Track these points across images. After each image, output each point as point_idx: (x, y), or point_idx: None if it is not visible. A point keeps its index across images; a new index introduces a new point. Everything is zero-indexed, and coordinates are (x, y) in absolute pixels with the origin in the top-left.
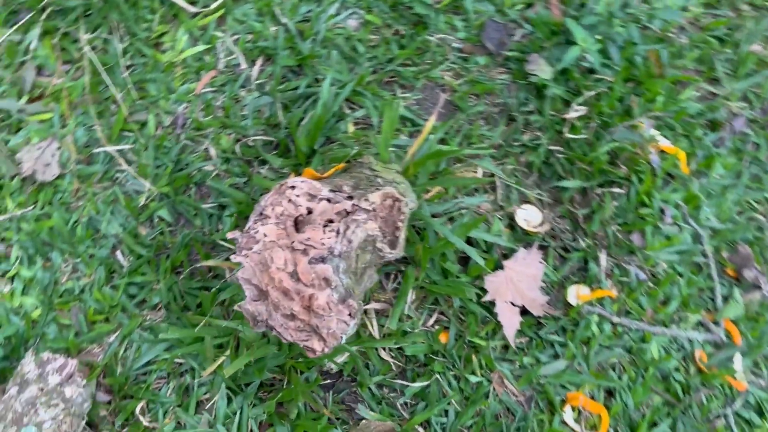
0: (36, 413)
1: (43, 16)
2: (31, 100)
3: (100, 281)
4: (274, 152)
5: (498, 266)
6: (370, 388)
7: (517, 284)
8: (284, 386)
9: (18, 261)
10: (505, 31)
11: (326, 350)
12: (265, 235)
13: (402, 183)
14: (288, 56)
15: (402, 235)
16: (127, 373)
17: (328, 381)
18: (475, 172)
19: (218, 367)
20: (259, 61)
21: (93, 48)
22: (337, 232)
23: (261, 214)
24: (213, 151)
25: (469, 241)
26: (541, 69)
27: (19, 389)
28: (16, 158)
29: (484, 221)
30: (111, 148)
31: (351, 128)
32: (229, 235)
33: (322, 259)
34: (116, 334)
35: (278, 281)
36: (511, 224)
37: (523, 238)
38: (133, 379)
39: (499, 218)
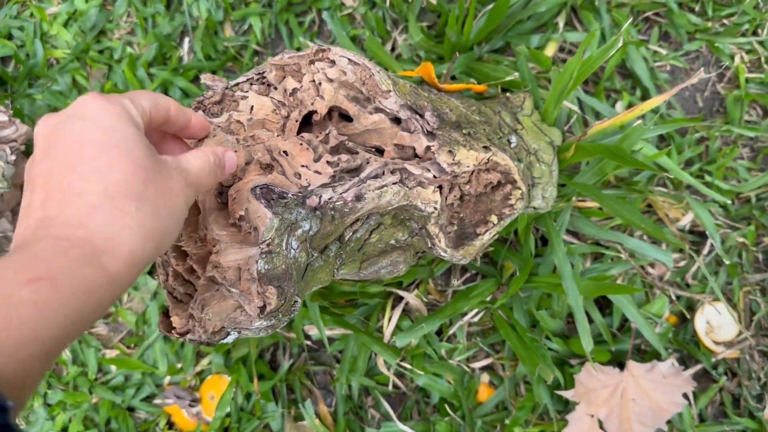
0: None
1: None
2: None
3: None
4: (425, 24)
5: (616, 361)
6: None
7: (629, 404)
8: None
9: None
10: None
11: (188, 336)
12: (251, 109)
13: (545, 164)
14: None
15: (485, 239)
16: None
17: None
18: (681, 214)
19: None
20: None
21: None
22: (340, 174)
23: (262, 75)
24: None
25: (599, 304)
26: None
27: None
28: None
29: (642, 292)
30: None
31: (551, 50)
32: (204, 78)
33: (280, 197)
34: None
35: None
36: (684, 316)
37: (688, 346)
38: None
39: (670, 298)
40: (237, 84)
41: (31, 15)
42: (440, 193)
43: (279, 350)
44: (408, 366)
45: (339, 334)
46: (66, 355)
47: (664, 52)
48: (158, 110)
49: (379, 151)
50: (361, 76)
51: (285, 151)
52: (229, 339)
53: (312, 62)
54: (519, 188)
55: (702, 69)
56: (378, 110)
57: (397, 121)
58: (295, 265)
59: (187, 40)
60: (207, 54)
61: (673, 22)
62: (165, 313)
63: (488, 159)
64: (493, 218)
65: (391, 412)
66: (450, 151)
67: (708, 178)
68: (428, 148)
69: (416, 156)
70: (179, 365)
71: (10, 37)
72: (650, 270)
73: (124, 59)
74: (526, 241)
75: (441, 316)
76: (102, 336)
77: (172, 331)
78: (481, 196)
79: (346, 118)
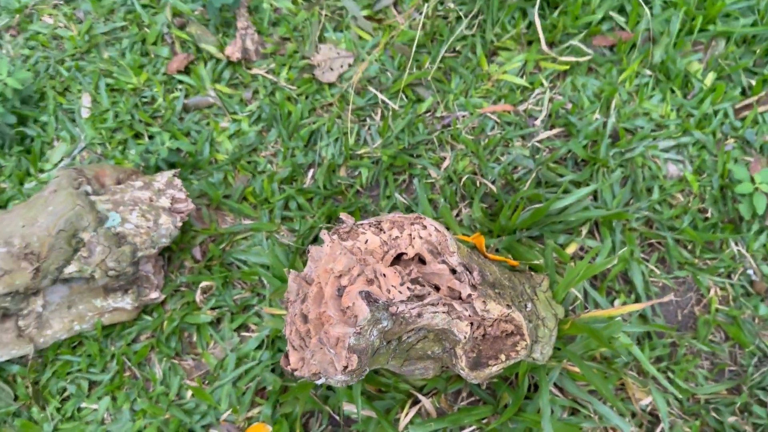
0: (130, 212)
1: None
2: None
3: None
4: (485, 205)
5: None
6: None
7: None
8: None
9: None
10: None
11: (297, 372)
12: (366, 242)
13: (548, 329)
14: (579, 145)
15: (493, 370)
16: (224, 258)
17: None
18: (644, 396)
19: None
20: (554, 131)
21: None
22: (412, 297)
23: (379, 223)
24: (446, 163)
25: None
26: None
27: (142, 186)
28: (320, 46)
29: None
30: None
31: (572, 248)
32: (343, 216)
33: (374, 302)
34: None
35: (324, 282)
36: None
37: None
38: (223, 263)
39: None
40: (361, 224)
41: (208, 124)
42: (471, 327)
43: (313, 417)
44: None
45: (364, 415)
46: (158, 374)
47: (658, 272)
48: None
49: (437, 288)
50: (440, 239)
51: (384, 274)
52: (319, 381)
53: (412, 223)
54: (525, 340)
55: (672, 294)
56: (443, 262)
57: (453, 271)
58: (371, 347)
59: (312, 171)
60: (324, 184)
61: (669, 253)
62: (286, 355)
63: (508, 314)
64: (502, 356)
65: None
66: (484, 301)
67: (671, 375)
68: (470, 295)
69: (460, 298)
70: (237, 407)
71: (188, 134)
72: None
73: (265, 172)
74: (522, 382)
75: (446, 421)
76: (187, 368)
77: (288, 366)
78: (497, 338)
79: (422, 261)
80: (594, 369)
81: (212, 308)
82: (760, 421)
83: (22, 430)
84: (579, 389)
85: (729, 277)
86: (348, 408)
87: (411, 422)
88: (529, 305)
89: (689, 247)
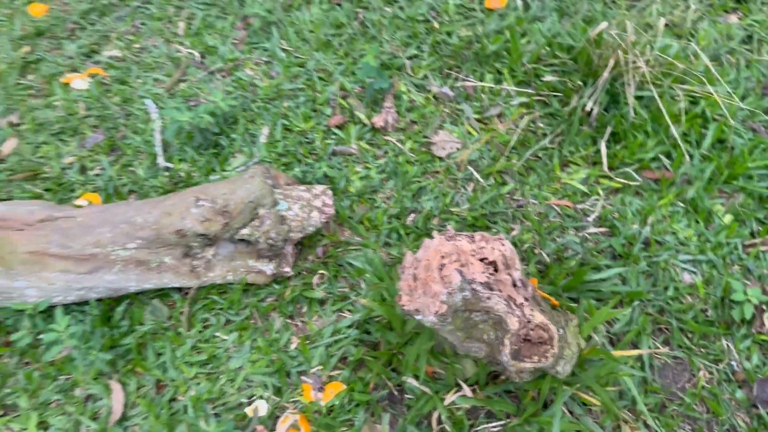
0: (294, 204)
1: None
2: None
3: None
4: (539, 267)
5: None
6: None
7: None
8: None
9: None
10: None
11: (405, 307)
12: (461, 245)
13: (571, 352)
14: (618, 243)
15: (527, 365)
16: (338, 259)
17: None
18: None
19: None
20: (601, 229)
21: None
22: (486, 283)
23: (472, 236)
24: (514, 232)
25: None
26: None
27: (304, 189)
28: (438, 131)
29: None
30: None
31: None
32: (448, 226)
33: (463, 277)
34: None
35: (432, 258)
36: None
37: None
38: (336, 263)
39: None
40: (459, 234)
41: (347, 166)
42: (518, 324)
43: (378, 388)
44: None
45: (420, 390)
46: (276, 326)
47: (662, 349)
48: None
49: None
50: (511, 256)
51: (472, 263)
52: (417, 317)
53: (495, 240)
54: (554, 349)
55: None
56: (509, 274)
57: (514, 284)
58: (454, 305)
59: (413, 215)
60: (421, 226)
61: (673, 336)
62: (399, 297)
63: (546, 324)
64: (535, 358)
65: None
66: (531, 309)
67: (657, 424)
68: (522, 303)
69: (515, 302)
70: (324, 365)
71: (332, 169)
72: None
73: (380, 208)
74: (544, 390)
75: (480, 402)
76: (295, 329)
77: (400, 302)
78: (534, 343)
79: (495, 270)
80: (604, 392)
81: (322, 291)
82: None
83: (171, 340)
84: (585, 413)
85: (716, 363)
86: (409, 381)
87: (453, 402)
88: (561, 330)
89: (690, 335)
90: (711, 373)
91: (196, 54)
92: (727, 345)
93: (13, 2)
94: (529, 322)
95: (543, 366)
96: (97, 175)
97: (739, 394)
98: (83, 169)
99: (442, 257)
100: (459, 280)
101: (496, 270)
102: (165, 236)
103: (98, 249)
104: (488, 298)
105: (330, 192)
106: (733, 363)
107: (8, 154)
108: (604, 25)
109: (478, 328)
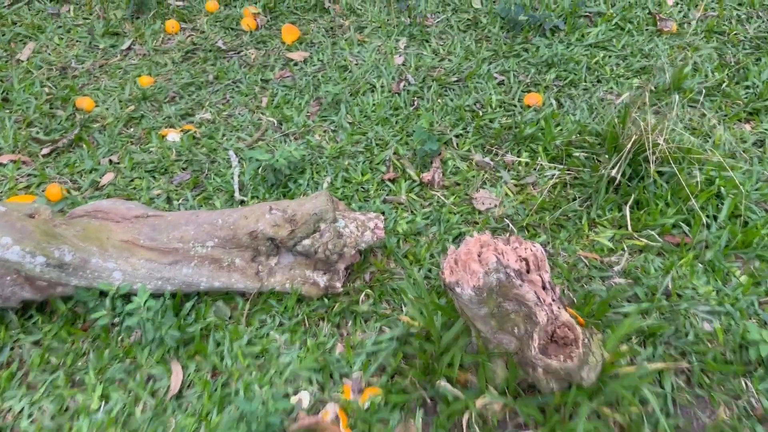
0: (350, 223)
1: None
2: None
3: None
4: (577, 309)
5: None
6: None
7: None
8: None
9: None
10: None
11: (446, 280)
12: (498, 244)
13: (595, 360)
14: (642, 291)
15: (553, 363)
16: (383, 287)
17: None
18: None
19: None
20: (626, 280)
21: None
22: (518, 273)
23: (508, 238)
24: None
25: None
26: None
27: (360, 214)
28: (480, 189)
29: None
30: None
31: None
32: (486, 231)
33: (499, 261)
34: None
35: (472, 246)
36: None
37: None
38: (380, 287)
39: None
40: (496, 237)
41: (396, 210)
42: (547, 319)
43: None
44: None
45: (453, 395)
46: (325, 331)
47: (684, 386)
48: None
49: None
50: (542, 258)
51: (506, 252)
52: (457, 289)
53: (528, 243)
54: (579, 349)
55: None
56: (539, 275)
57: (543, 287)
58: (489, 285)
59: None
60: None
61: (694, 374)
62: (442, 272)
63: (572, 323)
64: (561, 357)
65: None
66: (558, 307)
67: None
68: (551, 302)
69: (543, 300)
70: (364, 371)
71: (383, 213)
72: None
73: (423, 246)
74: (568, 403)
75: (508, 400)
76: (339, 337)
77: (443, 275)
78: (559, 344)
79: (527, 270)
80: (631, 398)
81: (367, 307)
82: None
83: (231, 333)
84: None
85: (737, 399)
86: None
87: (483, 407)
88: (587, 341)
89: (709, 375)
90: (730, 408)
91: (275, 121)
92: (746, 382)
93: (126, 74)
94: (556, 318)
95: (569, 367)
96: (180, 204)
97: (760, 428)
98: (169, 200)
99: (481, 246)
100: (495, 261)
101: (528, 270)
102: (239, 237)
103: (181, 244)
104: (520, 285)
105: (382, 217)
106: (752, 399)
107: (105, 184)
108: (626, 96)
109: (509, 318)
